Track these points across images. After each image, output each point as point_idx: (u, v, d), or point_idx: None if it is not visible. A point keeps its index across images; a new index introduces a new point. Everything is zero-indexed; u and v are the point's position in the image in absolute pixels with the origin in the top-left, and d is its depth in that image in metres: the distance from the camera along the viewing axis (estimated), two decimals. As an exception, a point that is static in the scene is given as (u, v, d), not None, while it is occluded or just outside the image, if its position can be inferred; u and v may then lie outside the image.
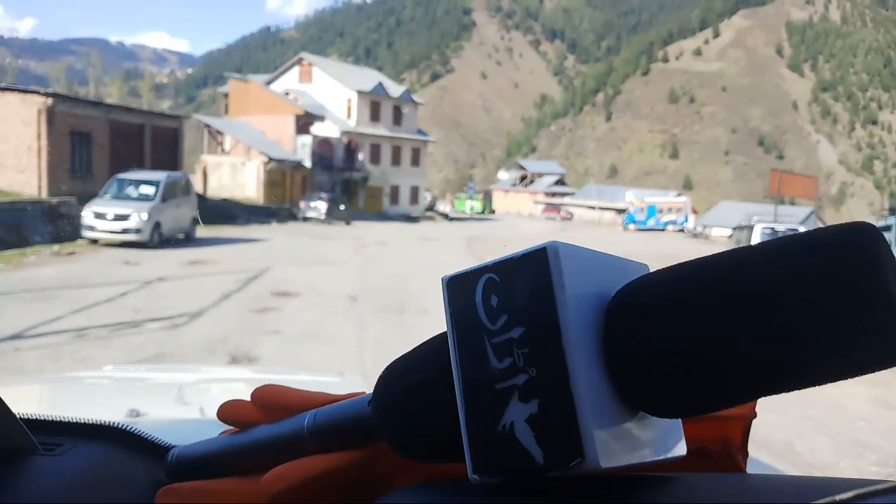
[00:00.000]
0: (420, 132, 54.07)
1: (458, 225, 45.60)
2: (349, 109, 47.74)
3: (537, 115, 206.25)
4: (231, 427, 0.52)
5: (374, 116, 49.11)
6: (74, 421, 0.62)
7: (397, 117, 50.70)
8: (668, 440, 0.37)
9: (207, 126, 36.67)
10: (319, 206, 32.09)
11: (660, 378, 0.32)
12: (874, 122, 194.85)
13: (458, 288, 0.36)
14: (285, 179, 36.52)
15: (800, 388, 0.31)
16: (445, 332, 0.36)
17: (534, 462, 0.32)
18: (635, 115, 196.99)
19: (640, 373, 0.32)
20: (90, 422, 0.62)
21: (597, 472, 0.32)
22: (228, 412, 0.51)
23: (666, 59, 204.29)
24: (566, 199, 74.43)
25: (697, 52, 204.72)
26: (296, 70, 49.70)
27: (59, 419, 0.62)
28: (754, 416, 0.48)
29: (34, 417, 0.61)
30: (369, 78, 51.06)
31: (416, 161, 52.68)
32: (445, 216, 54.80)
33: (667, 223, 52.14)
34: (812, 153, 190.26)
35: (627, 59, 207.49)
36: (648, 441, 0.35)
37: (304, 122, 39.65)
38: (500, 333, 0.34)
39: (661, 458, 0.36)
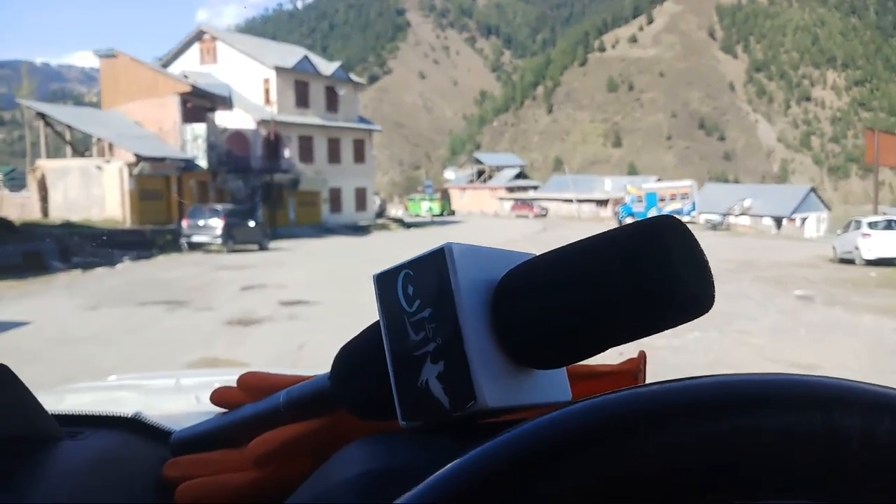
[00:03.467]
0: (363, 120, 41.39)
1: (423, 235, 33.24)
2: (267, 93, 34.81)
3: (479, 112, 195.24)
4: (222, 409, 0.59)
5: (302, 101, 36.27)
6: (91, 413, 0.69)
7: (332, 101, 37.93)
8: (553, 388, 0.45)
9: (43, 116, 23.47)
10: (212, 226, 19.41)
11: (531, 338, 0.40)
12: (808, 99, 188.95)
13: (385, 282, 0.43)
14: (169, 188, 23.72)
15: (627, 342, 0.40)
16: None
17: (443, 407, 0.40)
18: (576, 106, 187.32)
19: (517, 335, 0.40)
20: (104, 413, 0.68)
21: (488, 411, 0.40)
22: (219, 397, 0.59)
23: (602, 48, 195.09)
24: (531, 193, 62.73)
25: (633, 40, 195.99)
26: (196, 48, 36.54)
27: (78, 412, 0.69)
28: (640, 370, 0.54)
29: (58, 412, 0.68)
30: (291, 53, 38.19)
31: (359, 156, 39.98)
32: (401, 222, 42.30)
33: (671, 213, 40.70)
34: (752, 133, 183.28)
35: (564, 50, 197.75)
36: (533, 388, 0.43)
37: (199, 105, 26.86)
38: (415, 314, 0.42)
39: (547, 401, 0.43)
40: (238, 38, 35.94)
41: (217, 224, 19.34)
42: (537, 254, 0.43)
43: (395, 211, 60.18)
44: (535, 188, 67.43)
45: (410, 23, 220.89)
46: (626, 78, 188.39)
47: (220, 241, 19.37)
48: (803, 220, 53.73)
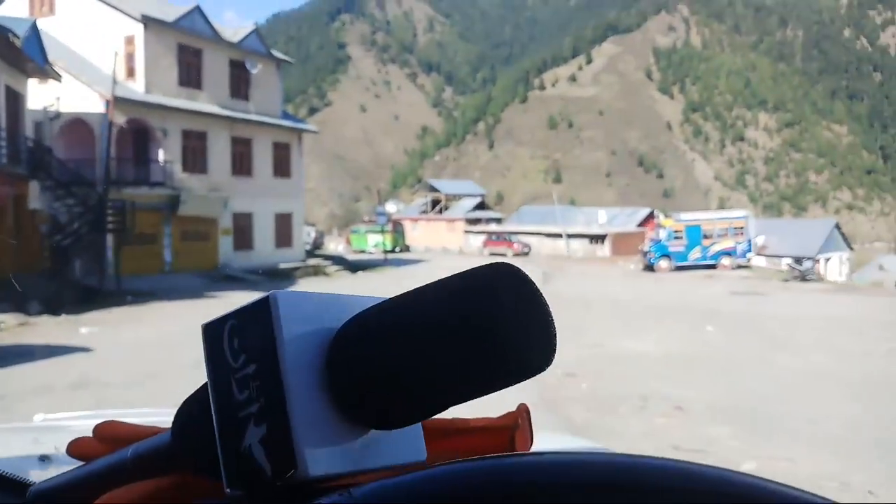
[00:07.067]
0: (288, 115, 27.65)
1: (380, 286, 19.62)
2: (130, 59, 20.88)
3: (420, 147, 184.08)
4: (82, 461, 0.54)
5: (189, 77, 22.32)
6: None
7: (240, 82, 24.09)
8: (401, 449, 0.40)
9: None
10: None
11: (365, 396, 0.36)
12: (742, 139, 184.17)
13: (211, 333, 0.38)
14: None
15: (463, 402, 0.36)
16: None
17: (266, 476, 0.35)
18: (517, 143, 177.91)
19: (351, 394, 0.36)
20: None
21: (312, 480, 0.35)
22: (76, 448, 0.54)
23: (542, 87, 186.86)
24: (494, 227, 49.84)
25: (572, 79, 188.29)
26: (25, -6, 22.40)
27: None
28: (518, 426, 0.49)
29: None
30: (174, 5, 24.25)
31: (282, 168, 26.08)
32: (343, 262, 28.49)
33: (719, 254, 28.27)
34: (690, 171, 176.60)
35: (505, 87, 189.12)
36: (376, 450, 0.38)
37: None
38: (240, 370, 0.36)
39: (394, 463, 0.39)
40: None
41: None
42: (382, 298, 0.39)
43: (334, 246, 46.28)
44: (497, 220, 54.62)
45: (351, 56, 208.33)
46: (566, 116, 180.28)
47: None
48: (826, 260, 42.55)
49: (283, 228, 25.91)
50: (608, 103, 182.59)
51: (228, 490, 0.37)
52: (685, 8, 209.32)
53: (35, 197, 17.47)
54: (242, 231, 23.67)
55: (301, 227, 27.62)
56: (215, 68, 22.90)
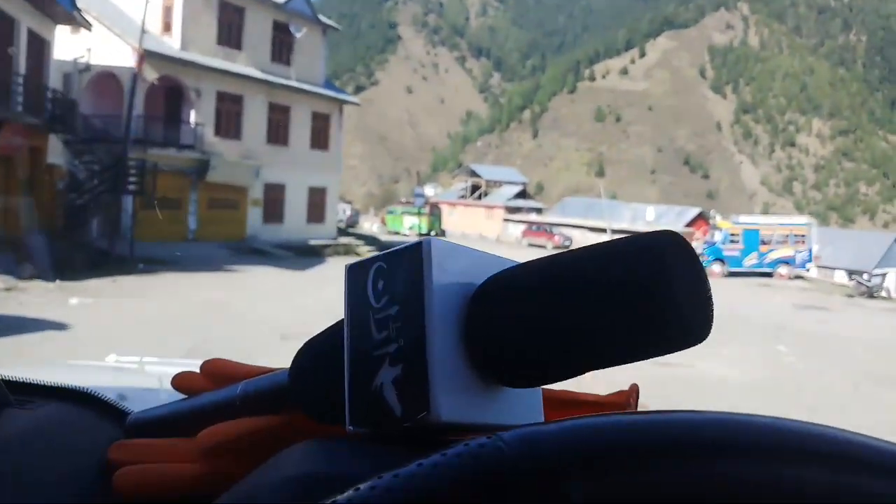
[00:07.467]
0: (330, 85, 26.19)
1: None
2: (167, 14, 19.57)
3: (463, 132, 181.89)
4: (184, 395, 0.54)
5: (229, 37, 20.93)
6: (46, 384, 0.63)
7: (281, 46, 22.65)
8: (524, 409, 0.39)
9: None
10: None
11: (502, 352, 0.35)
12: (792, 145, 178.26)
13: (356, 273, 0.38)
14: None
15: (606, 367, 0.34)
16: None
17: (394, 415, 0.35)
18: (562, 133, 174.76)
19: (488, 347, 0.35)
20: (60, 385, 0.63)
21: (442, 425, 0.34)
22: (180, 382, 0.54)
23: (592, 78, 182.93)
24: (533, 216, 48.11)
25: (624, 72, 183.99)
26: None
27: (32, 381, 0.63)
28: (629, 405, 0.48)
29: (11, 378, 0.63)
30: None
31: (320, 139, 24.65)
32: (376, 243, 27.12)
33: (777, 262, 26.25)
34: (736, 174, 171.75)
35: (554, 76, 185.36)
36: (500, 407, 0.37)
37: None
38: (381, 311, 0.36)
39: (515, 422, 0.35)
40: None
41: None
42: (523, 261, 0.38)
43: (369, 225, 45.01)
44: (538, 211, 52.81)
45: (401, 37, 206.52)
46: (615, 109, 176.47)
47: None
48: (883, 276, 39.82)
49: (317, 203, 24.55)
50: (658, 99, 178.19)
51: (351, 427, 0.37)
52: (745, 6, 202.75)
53: (56, 152, 16.32)
54: (273, 203, 22.36)
55: (335, 203, 26.26)
56: (257, 29, 21.52)
